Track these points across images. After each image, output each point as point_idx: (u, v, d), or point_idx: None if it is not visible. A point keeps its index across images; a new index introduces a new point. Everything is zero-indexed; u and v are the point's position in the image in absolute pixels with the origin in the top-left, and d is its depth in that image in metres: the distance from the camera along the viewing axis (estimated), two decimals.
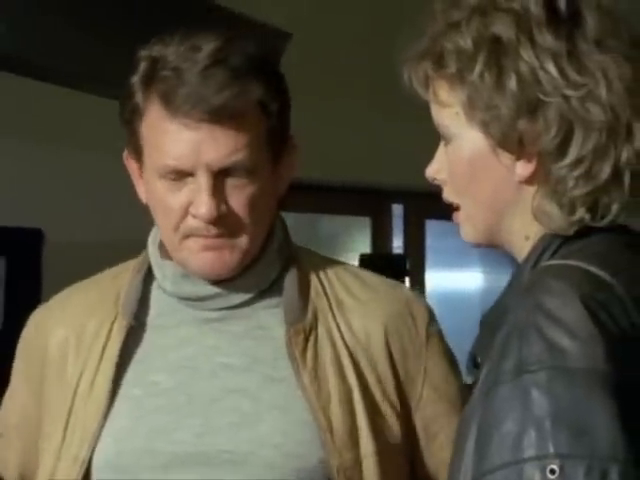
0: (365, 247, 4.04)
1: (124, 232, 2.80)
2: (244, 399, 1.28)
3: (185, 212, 1.26)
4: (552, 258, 1.05)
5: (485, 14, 1.06)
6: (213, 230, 1.25)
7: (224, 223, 1.25)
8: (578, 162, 1.03)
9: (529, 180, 1.06)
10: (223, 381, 1.29)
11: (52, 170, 3.22)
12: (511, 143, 1.05)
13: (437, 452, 1.34)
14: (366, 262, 3.54)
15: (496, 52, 1.04)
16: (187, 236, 1.27)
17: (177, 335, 1.32)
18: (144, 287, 1.34)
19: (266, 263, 1.32)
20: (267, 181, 1.28)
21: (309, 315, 1.31)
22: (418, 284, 3.86)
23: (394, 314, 1.35)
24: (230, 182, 1.25)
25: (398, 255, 4.00)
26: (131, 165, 1.33)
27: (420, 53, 1.12)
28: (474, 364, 1.07)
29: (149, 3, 2.56)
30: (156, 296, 1.35)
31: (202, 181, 1.23)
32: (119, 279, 1.37)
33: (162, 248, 1.34)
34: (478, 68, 1.04)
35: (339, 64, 3.61)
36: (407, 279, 3.70)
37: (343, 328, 1.32)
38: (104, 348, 1.31)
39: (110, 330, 1.32)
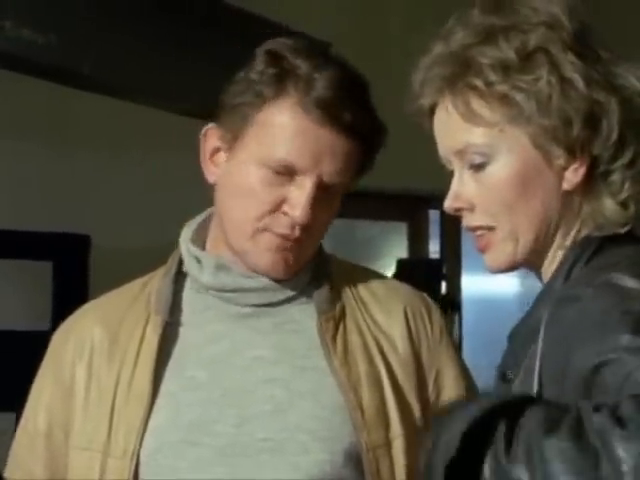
0: (402, 252, 4.07)
1: (171, 236, 2.86)
2: (277, 388, 1.33)
3: (276, 207, 1.29)
4: (585, 268, 1.05)
5: (521, 29, 1.08)
6: (297, 233, 1.30)
7: (306, 230, 1.30)
8: (632, 162, 1.06)
9: (577, 186, 1.08)
10: (256, 373, 1.34)
11: (100, 176, 3.27)
12: (564, 151, 1.06)
13: None
14: (403, 267, 3.56)
15: (544, 62, 1.05)
16: (265, 230, 1.30)
17: (210, 331, 1.37)
18: (175, 286, 1.38)
19: (307, 268, 1.39)
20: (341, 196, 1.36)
21: (338, 307, 1.38)
22: (455, 289, 3.89)
23: (412, 310, 1.42)
24: (323, 195, 1.30)
25: (435, 260, 4.02)
26: (210, 141, 1.35)
27: (441, 70, 1.13)
28: (504, 379, 1.08)
29: (192, 14, 2.62)
30: (187, 294, 1.39)
31: (308, 186, 1.28)
32: (149, 285, 1.41)
33: (199, 241, 1.39)
34: (528, 79, 1.05)
35: (376, 71, 3.66)
36: (444, 284, 3.72)
37: (368, 321, 1.39)
38: (140, 347, 1.35)
39: (144, 330, 1.36)
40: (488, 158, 1.10)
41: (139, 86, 2.54)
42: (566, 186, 1.08)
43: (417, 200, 4.04)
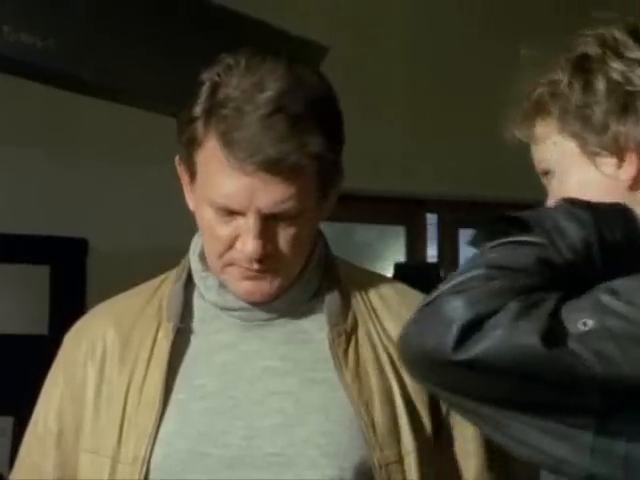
0: (399, 256, 4.07)
1: (168, 241, 2.87)
2: (286, 401, 1.32)
3: (231, 243, 1.28)
4: None
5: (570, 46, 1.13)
6: (256, 266, 1.28)
7: (268, 260, 1.28)
8: None
9: (633, 182, 1.10)
10: (265, 384, 1.33)
11: (98, 180, 3.27)
12: (609, 148, 1.09)
13: (449, 455, 1.38)
14: (400, 271, 3.57)
15: (582, 64, 1.10)
16: (230, 264, 1.30)
17: (219, 340, 1.36)
18: (185, 293, 1.38)
19: (307, 279, 1.37)
20: (314, 215, 1.32)
21: (350, 318, 1.36)
22: None
23: None
24: (278, 223, 1.28)
25: (432, 264, 4.02)
26: (182, 172, 1.34)
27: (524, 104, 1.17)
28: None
29: (191, 18, 2.62)
30: (197, 303, 1.38)
31: (251, 223, 1.25)
32: (160, 289, 1.40)
33: (204, 260, 1.37)
34: (565, 79, 1.10)
35: (377, 74, 3.65)
36: None
37: (379, 330, 1.37)
38: (151, 353, 1.35)
39: (155, 336, 1.35)
40: (551, 173, 1.17)
41: (139, 90, 2.55)
42: (623, 185, 1.10)
43: (415, 204, 4.05)
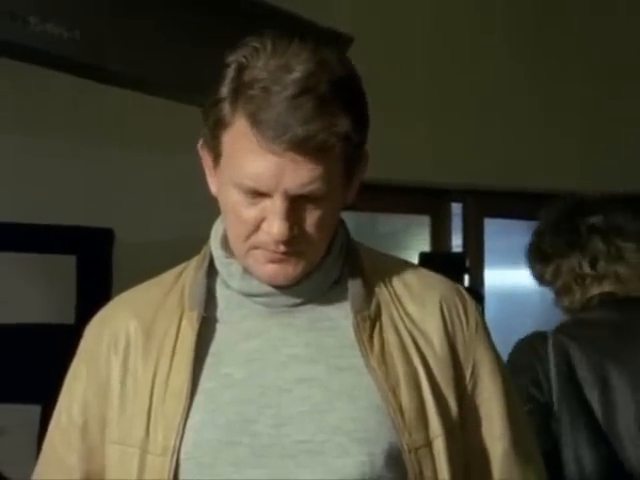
0: (424, 245, 4.07)
1: (193, 231, 2.87)
2: (314, 388, 1.32)
3: (257, 226, 1.28)
4: None
5: None
6: (282, 248, 1.28)
7: (294, 242, 1.28)
8: None
9: None
10: (292, 371, 1.33)
11: (123, 170, 3.28)
12: None
13: (476, 437, 1.38)
14: (426, 260, 3.57)
15: None
16: (255, 247, 1.30)
17: (243, 328, 1.35)
18: (208, 281, 1.37)
19: (330, 265, 1.37)
20: (339, 199, 1.32)
21: (373, 305, 1.36)
22: (477, 282, 3.88)
23: (447, 302, 1.40)
24: (304, 205, 1.28)
25: (457, 253, 4.02)
26: (205, 156, 1.34)
27: None
28: None
29: (217, 9, 2.62)
30: (220, 291, 1.38)
31: (277, 204, 1.26)
32: (182, 277, 1.40)
33: (226, 246, 1.37)
34: None
35: (400, 65, 3.65)
36: (466, 277, 3.72)
37: (403, 316, 1.37)
38: (176, 342, 1.34)
39: (179, 325, 1.35)
40: None
41: (164, 80, 2.55)
42: None
43: (439, 193, 4.04)
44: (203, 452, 1.31)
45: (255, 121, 1.24)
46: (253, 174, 1.26)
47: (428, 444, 1.32)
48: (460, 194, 4.07)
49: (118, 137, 3.27)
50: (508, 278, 4.22)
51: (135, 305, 1.40)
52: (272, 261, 1.31)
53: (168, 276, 1.42)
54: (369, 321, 1.35)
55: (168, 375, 1.34)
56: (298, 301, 1.36)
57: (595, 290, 2.22)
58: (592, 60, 4.02)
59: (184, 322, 1.35)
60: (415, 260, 3.62)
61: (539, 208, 4.09)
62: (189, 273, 1.40)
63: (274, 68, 1.25)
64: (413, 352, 1.35)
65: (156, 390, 1.34)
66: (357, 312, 1.35)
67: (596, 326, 2.18)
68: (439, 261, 3.60)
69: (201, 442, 1.31)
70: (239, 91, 1.27)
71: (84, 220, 3.18)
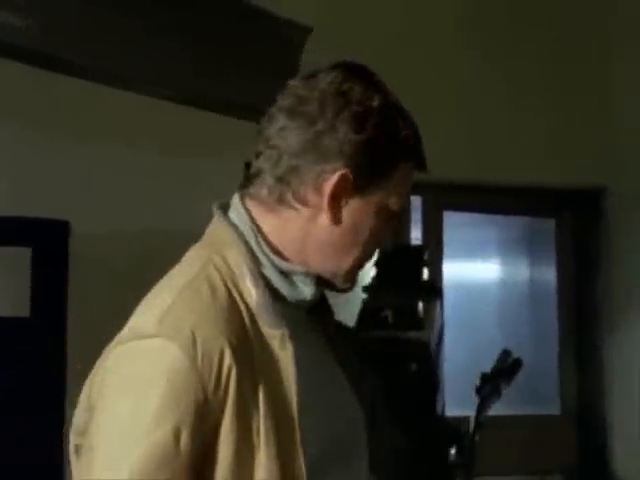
0: None
1: (150, 223, 2.85)
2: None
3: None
4: None
5: None
6: None
7: None
8: None
9: None
10: (346, 385, 1.38)
11: (79, 163, 3.26)
12: None
13: None
14: (385, 253, 3.57)
15: None
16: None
17: (309, 343, 1.35)
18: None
19: None
20: None
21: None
22: (436, 275, 3.90)
23: None
24: None
25: (417, 246, 4.03)
26: (346, 189, 1.36)
27: None
28: None
29: None
30: (277, 306, 1.34)
31: (395, 222, 1.46)
32: (230, 294, 1.32)
33: (280, 255, 1.36)
34: None
35: (360, 57, 3.64)
36: (425, 270, 3.73)
37: None
38: (273, 367, 1.29)
39: (268, 347, 1.29)
40: None
41: (119, 71, 2.53)
42: None
43: None
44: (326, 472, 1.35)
45: (422, 159, 1.49)
46: (405, 200, 1.46)
47: None
48: (419, 187, 4.08)
49: (72, 128, 3.23)
50: (466, 271, 4.25)
51: (217, 327, 1.27)
52: None
53: (214, 292, 1.30)
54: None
55: (275, 395, 1.29)
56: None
57: None
58: (557, 58, 4.05)
59: (275, 343, 1.31)
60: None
61: (498, 201, 4.13)
62: (242, 287, 1.32)
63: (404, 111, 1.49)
64: None
65: (263, 412, 1.28)
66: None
67: None
68: (398, 254, 3.61)
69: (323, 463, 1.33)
70: (415, 138, 1.49)
71: (40, 212, 3.15)
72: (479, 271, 4.33)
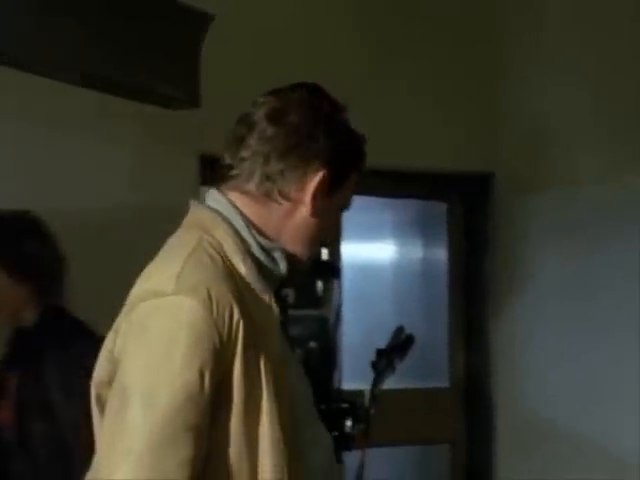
0: None
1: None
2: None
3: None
4: None
5: None
6: None
7: None
8: None
9: None
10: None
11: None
12: None
13: None
14: None
15: None
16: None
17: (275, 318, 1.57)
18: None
19: None
20: None
21: None
22: (335, 255, 4.01)
23: None
24: None
25: None
26: (323, 188, 1.62)
27: None
28: None
29: None
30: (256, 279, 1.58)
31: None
32: (225, 266, 1.53)
33: (264, 235, 1.59)
34: None
35: (263, 46, 3.69)
36: (325, 250, 3.83)
37: None
38: (265, 319, 1.54)
39: (258, 300, 1.53)
40: None
41: (25, 56, 2.54)
42: None
43: None
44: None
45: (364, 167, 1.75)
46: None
47: None
48: None
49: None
50: (363, 252, 4.35)
51: (221, 286, 1.50)
52: None
53: (211, 266, 1.52)
54: None
55: (277, 353, 1.55)
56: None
57: None
58: (446, 44, 4.16)
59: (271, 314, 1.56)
60: None
61: (392, 186, 4.24)
62: (233, 263, 1.54)
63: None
64: None
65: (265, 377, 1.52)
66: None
67: None
68: None
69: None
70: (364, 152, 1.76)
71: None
72: (375, 252, 4.44)
